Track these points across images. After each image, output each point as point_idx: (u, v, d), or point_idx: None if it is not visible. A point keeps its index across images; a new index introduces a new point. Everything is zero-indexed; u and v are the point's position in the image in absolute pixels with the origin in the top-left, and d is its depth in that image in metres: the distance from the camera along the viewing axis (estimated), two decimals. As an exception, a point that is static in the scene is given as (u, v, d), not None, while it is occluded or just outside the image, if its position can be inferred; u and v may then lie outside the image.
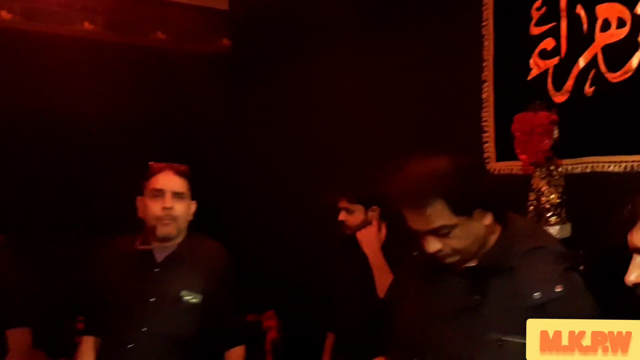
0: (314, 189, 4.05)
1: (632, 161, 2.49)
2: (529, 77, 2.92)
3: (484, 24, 3.18)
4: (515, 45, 3.01)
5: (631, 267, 1.38)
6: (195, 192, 2.54)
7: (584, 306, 1.66)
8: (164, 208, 2.41)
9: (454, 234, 1.65)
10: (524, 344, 1.52)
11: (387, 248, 3.16)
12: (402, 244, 3.20)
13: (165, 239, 2.46)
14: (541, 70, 2.87)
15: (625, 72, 2.49)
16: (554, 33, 2.82)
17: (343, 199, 3.25)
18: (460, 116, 3.32)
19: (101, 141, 4.62)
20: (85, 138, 4.64)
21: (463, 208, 1.64)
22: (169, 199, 2.41)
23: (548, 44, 2.84)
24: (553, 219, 2.59)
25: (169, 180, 2.44)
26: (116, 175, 4.32)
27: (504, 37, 3.10)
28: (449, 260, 1.71)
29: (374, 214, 3.20)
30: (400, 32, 3.80)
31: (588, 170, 2.65)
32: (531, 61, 2.91)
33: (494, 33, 3.13)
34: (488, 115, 3.13)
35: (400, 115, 3.74)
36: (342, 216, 3.24)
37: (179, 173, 2.48)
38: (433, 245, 1.67)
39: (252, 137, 5.11)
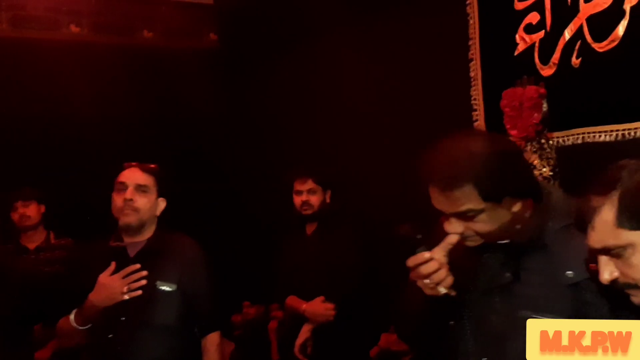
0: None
1: (623, 129, 2.48)
2: (516, 53, 2.92)
3: (468, 2, 3.18)
4: (500, 22, 3.01)
5: (600, 266, 1.34)
6: (166, 190, 2.68)
7: None
8: (125, 199, 2.54)
9: (479, 219, 1.58)
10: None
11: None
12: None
13: (127, 229, 2.58)
14: (527, 45, 2.87)
15: (612, 41, 2.48)
16: (539, 7, 2.81)
17: (309, 180, 3.47)
18: (449, 96, 3.32)
19: (95, 141, 4.63)
20: (79, 139, 4.65)
21: (493, 195, 1.56)
22: (131, 191, 2.55)
23: (533, 18, 2.84)
24: (546, 192, 2.59)
25: (133, 174, 2.60)
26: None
27: (488, 14, 3.10)
28: (470, 243, 1.65)
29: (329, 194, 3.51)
30: (385, 17, 3.80)
31: (579, 141, 2.64)
32: (517, 36, 2.91)
33: (478, 11, 3.13)
34: (477, 94, 3.14)
35: (389, 99, 3.74)
36: (305, 197, 3.47)
37: (145, 169, 2.63)
38: (455, 227, 1.61)
39: (242, 128, 5.11)
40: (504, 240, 1.65)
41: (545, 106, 2.65)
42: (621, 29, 2.45)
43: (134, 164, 2.66)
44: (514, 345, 1.57)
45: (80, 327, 2.51)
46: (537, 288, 1.59)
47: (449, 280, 1.62)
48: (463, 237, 1.63)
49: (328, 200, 3.52)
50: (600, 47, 2.53)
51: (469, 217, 1.58)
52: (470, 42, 3.17)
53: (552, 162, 2.63)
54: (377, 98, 3.83)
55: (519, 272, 1.62)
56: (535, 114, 2.62)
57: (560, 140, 2.71)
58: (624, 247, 1.30)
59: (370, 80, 3.89)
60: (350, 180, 3.92)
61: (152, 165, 2.68)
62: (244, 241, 4.96)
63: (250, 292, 4.86)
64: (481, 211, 1.57)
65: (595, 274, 1.42)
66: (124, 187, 2.56)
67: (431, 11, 3.46)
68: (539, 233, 1.62)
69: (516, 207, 1.60)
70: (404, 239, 1.65)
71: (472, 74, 3.17)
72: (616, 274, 1.33)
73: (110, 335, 2.48)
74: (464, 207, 1.56)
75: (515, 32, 2.91)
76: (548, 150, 2.64)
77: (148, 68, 4.98)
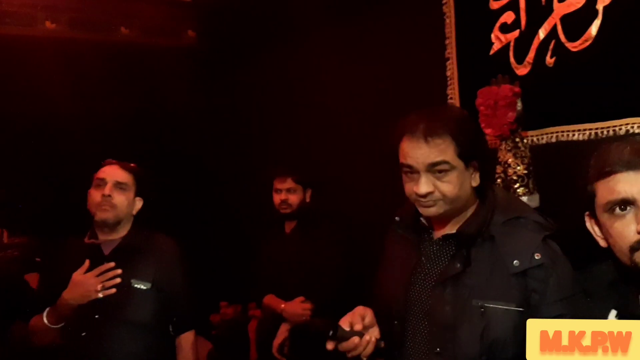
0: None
1: (596, 128, 2.51)
2: (492, 52, 2.94)
3: (444, 1, 3.19)
4: (476, 21, 3.03)
5: None
6: (144, 189, 2.69)
7: (563, 273, 1.69)
8: (103, 195, 2.54)
9: (449, 178, 1.68)
10: (505, 310, 1.64)
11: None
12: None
13: (103, 225, 2.57)
14: (503, 44, 2.88)
15: (585, 41, 2.50)
16: (514, 6, 2.83)
17: (289, 179, 3.45)
18: (426, 94, 3.33)
19: (71, 140, 4.58)
20: (55, 137, 4.60)
21: (466, 152, 1.69)
22: (109, 187, 2.57)
23: (508, 17, 2.86)
24: (521, 190, 2.61)
25: (112, 171, 2.62)
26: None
27: (464, 13, 3.11)
28: (433, 210, 1.72)
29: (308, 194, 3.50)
30: (363, 17, 3.80)
31: (553, 140, 2.67)
32: (492, 36, 2.93)
33: (454, 10, 3.15)
34: (453, 92, 3.15)
35: (368, 98, 3.75)
36: (284, 195, 3.45)
37: (124, 167, 2.65)
38: (425, 186, 1.68)
39: (221, 126, 5.10)
40: (460, 212, 1.75)
41: (519, 105, 2.66)
42: (594, 28, 2.47)
43: (113, 161, 2.67)
44: (466, 333, 1.67)
45: (53, 326, 2.49)
46: (486, 277, 1.69)
47: (368, 350, 1.77)
48: (430, 199, 1.71)
49: (308, 200, 3.51)
50: (574, 46, 2.56)
51: (442, 171, 1.68)
52: (447, 42, 3.19)
53: (526, 160, 2.65)
54: (355, 97, 3.84)
55: (468, 263, 1.72)
56: (510, 113, 2.63)
57: (535, 139, 2.73)
58: None
59: (348, 79, 3.89)
60: (330, 179, 3.93)
61: (132, 165, 2.69)
62: (222, 240, 4.95)
63: (228, 291, 4.85)
64: (453, 167, 1.68)
65: None
66: (102, 183, 2.57)
67: (408, 11, 3.47)
68: (487, 225, 1.73)
69: (476, 180, 1.75)
70: (317, 333, 1.79)
71: (448, 73, 3.19)
72: None
73: (84, 334, 2.48)
74: (440, 157, 1.66)
75: (491, 31, 2.92)
76: (522, 149, 2.66)
77: (126, 65, 4.94)
